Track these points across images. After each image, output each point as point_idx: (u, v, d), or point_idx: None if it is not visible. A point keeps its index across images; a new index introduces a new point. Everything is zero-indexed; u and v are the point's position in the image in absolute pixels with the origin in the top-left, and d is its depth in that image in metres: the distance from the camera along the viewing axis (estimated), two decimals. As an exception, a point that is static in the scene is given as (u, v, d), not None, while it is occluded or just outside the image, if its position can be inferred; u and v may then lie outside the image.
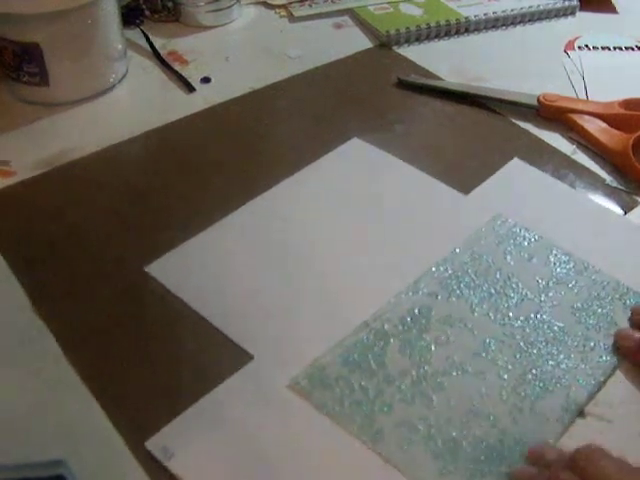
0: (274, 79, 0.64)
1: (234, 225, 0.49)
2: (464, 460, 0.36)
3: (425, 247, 0.48)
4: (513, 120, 0.61)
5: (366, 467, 0.36)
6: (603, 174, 0.55)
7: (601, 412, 0.39)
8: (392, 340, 0.41)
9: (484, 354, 0.41)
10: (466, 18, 0.72)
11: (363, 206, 0.51)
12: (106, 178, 0.53)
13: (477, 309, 0.44)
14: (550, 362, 0.41)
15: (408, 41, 0.70)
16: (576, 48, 0.71)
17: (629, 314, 0.44)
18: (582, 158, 0.57)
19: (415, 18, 0.73)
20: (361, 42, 0.70)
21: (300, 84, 0.64)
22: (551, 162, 0.56)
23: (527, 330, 0.42)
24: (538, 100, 0.61)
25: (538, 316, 0.43)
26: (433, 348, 0.41)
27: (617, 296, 0.45)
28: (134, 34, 0.68)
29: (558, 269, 0.46)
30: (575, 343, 0.42)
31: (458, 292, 0.44)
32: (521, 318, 0.43)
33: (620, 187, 0.54)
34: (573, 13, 0.77)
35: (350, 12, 0.75)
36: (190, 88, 0.62)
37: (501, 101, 0.62)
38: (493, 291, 0.45)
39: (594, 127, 0.58)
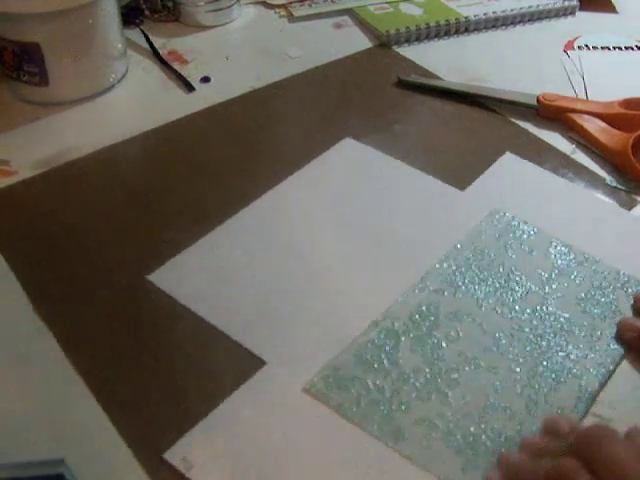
0: (274, 79, 0.64)
1: (236, 229, 0.48)
2: (485, 454, 0.36)
3: (426, 244, 0.48)
4: (513, 120, 0.61)
5: (388, 467, 0.36)
6: (603, 174, 0.55)
7: (600, 412, 0.39)
8: (403, 338, 0.41)
9: (495, 348, 0.41)
10: (466, 18, 0.72)
11: (362, 205, 0.51)
12: (106, 177, 0.53)
13: (484, 304, 0.44)
14: (560, 353, 0.41)
15: (408, 41, 0.70)
16: (576, 48, 0.71)
17: (632, 302, 0.44)
18: (582, 158, 0.57)
19: (415, 18, 0.73)
20: (361, 42, 0.70)
21: (300, 84, 0.64)
22: (550, 161, 0.56)
23: (535, 322, 0.43)
24: (538, 100, 0.61)
25: (544, 308, 0.44)
26: (444, 345, 0.41)
27: (619, 285, 0.45)
28: (134, 34, 0.68)
29: (559, 261, 0.47)
30: (582, 333, 0.42)
31: (464, 288, 0.45)
32: (528, 311, 0.43)
33: (619, 186, 0.54)
34: (573, 13, 0.77)
35: (350, 12, 0.75)
36: (190, 88, 0.62)
37: (501, 101, 0.62)
38: (498, 285, 0.45)
39: (594, 127, 0.58)
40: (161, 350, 0.41)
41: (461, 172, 0.54)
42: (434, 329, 0.42)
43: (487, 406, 0.38)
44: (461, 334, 0.42)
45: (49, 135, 0.56)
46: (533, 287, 0.45)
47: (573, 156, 0.57)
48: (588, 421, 0.38)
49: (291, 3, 0.75)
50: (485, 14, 0.73)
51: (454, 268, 0.46)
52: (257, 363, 0.40)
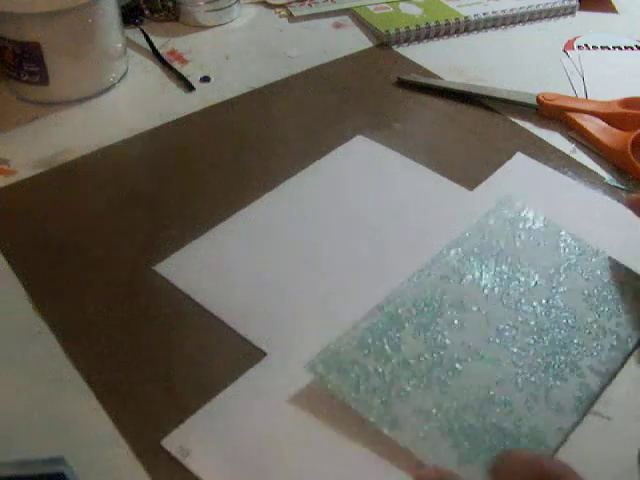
0: (274, 78, 0.64)
1: (239, 225, 0.49)
2: (481, 448, 0.36)
3: (434, 235, 0.48)
4: (513, 119, 0.61)
5: (386, 455, 0.35)
6: (602, 173, 0.55)
7: (601, 410, 0.39)
8: (406, 325, 0.41)
9: (498, 340, 0.41)
10: (466, 18, 0.72)
11: (369, 200, 0.51)
12: (106, 177, 0.53)
13: (489, 294, 0.43)
14: (564, 350, 0.41)
15: (408, 40, 0.70)
16: (575, 48, 0.71)
17: (639, 301, 0.44)
18: (581, 157, 0.57)
19: (415, 18, 0.73)
20: (361, 42, 0.70)
21: (300, 83, 0.64)
22: (551, 161, 0.56)
23: (540, 316, 0.42)
24: (538, 99, 0.61)
25: (550, 302, 0.43)
26: (447, 333, 0.41)
27: (628, 283, 0.45)
28: (134, 33, 0.68)
29: (568, 254, 0.46)
30: (587, 331, 0.42)
31: (470, 276, 0.44)
32: (534, 304, 0.43)
33: (619, 186, 0.54)
34: (573, 13, 0.78)
35: (350, 12, 0.75)
36: (190, 87, 0.62)
37: (501, 100, 0.62)
38: (505, 276, 0.44)
39: (593, 126, 0.58)
40: (161, 340, 0.41)
41: (463, 171, 0.54)
42: (438, 316, 0.42)
43: (487, 399, 0.38)
44: (465, 324, 0.41)
45: (49, 134, 0.56)
46: (540, 280, 0.44)
47: (573, 155, 0.57)
48: (588, 420, 0.38)
49: (291, 3, 0.75)
50: (485, 14, 0.73)
51: (462, 255, 0.45)
52: (258, 354, 0.40)
